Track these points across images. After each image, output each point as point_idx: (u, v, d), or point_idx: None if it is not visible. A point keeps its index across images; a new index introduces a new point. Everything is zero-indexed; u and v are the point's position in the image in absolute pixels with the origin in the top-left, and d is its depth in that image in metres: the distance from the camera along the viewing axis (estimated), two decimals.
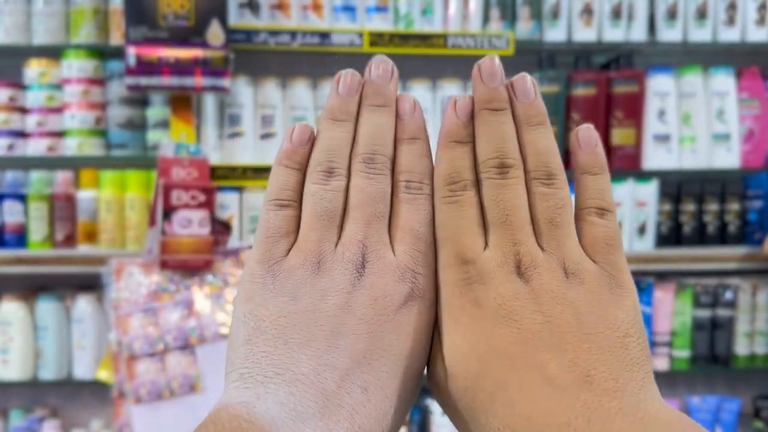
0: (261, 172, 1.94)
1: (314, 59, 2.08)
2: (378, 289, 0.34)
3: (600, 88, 2.00)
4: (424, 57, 2.02)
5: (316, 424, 0.31)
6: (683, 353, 2.07)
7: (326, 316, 0.33)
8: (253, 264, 0.35)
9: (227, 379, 0.33)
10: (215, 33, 1.79)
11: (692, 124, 2.03)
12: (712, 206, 2.07)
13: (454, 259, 0.35)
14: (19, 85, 1.96)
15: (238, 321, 0.35)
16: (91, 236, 1.94)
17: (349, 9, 1.96)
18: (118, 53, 1.89)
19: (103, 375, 1.82)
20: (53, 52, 1.94)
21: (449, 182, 0.36)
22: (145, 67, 1.77)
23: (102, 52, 1.95)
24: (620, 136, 2.01)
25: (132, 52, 1.77)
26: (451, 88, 2.00)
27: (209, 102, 1.93)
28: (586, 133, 0.37)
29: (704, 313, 2.07)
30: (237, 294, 0.35)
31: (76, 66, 1.91)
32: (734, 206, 2.07)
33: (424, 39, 1.96)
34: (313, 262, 0.34)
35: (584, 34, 2.02)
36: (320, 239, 0.35)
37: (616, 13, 2.02)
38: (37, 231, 1.94)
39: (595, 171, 0.36)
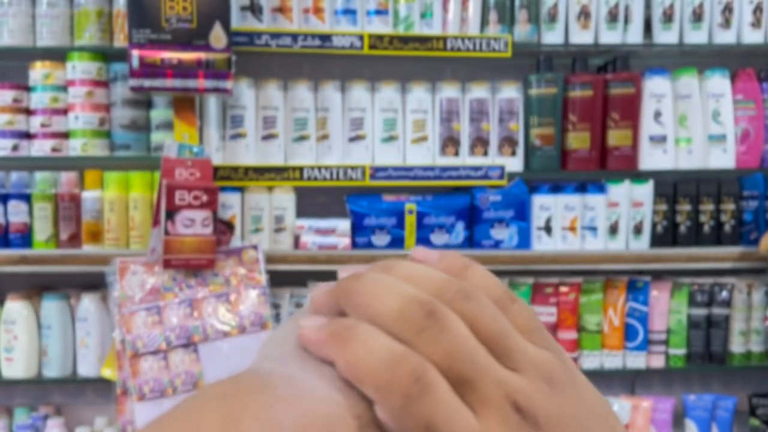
0: (263, 172, 1.96)
1: (315, 61, 2.11)
2: None
3: (597, 90, 2.02)
4: (424, 59, 2.05)
5: None
6: (679, 351, 2.10)
7: None
8: None
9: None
10: (218, 36, 1.82)
11: (688, 125, 2.06)
12: (708, 206, 2.09)
13: None
14: (24, 87, 1.98)
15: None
16: (95, 236, 1.96)
17: (349, 12, 1.98)
18: (122, 55, 1.91)
19: (107, 373, 1.85)
20: (57, 54, 1.96)
21: None
22: (149, 69, 1.80)
23: (106, 54, 1.97)
24: (616, 137, 2.03)
25: (135, 54, 1.79)
26: (450, 90, 2.02)
27: (212, 104, 1.95)
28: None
29: (700, 312, 2.10)
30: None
31: (80, 68, 1.93)
32: (729, 206, 2.09)
33: (424, 42, 1.99)
34: None
35: (581, 37, 2.05)
36: None
37: (613, 16, 2.04)
38: (41, 231, 1.96)
39: None
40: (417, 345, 0.26)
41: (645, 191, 2.06)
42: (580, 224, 2.04)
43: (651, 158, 2.05)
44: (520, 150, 2.06)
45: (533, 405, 0.27)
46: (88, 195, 1.96)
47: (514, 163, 2.05)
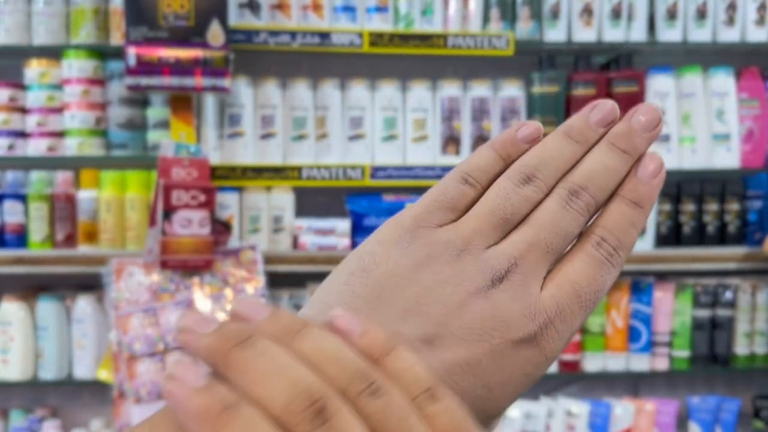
0: (261, 172, 1.94)
1: (314, 59, 2.08)
2: (501, 310, 0.30)
3: (600, 88, 2.00)
4: (424, 57, 2.03)
5: None
6: (683, 353, 2.07)
7: (434, 302, 0.31)
8: (407, 215, 0.33)
9: (318, 290, 0.33)
10: (215, 33, 1.80)
11: (692, 124, 2.04)
12: (712, 206, 2.07)
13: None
14: (20, 86, 1.96)
15: (356, 253, 0.33)
16: (92, 236, 1.94)
17: (349, 9, 1.96)
18: (119, 53, 1.89)
19: (104, 375, 1.82)
20: (53, 53, 1.94)
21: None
22: (146, 67, 1.78)
23: (102, 53, 1.95)
24: None
25: (132, 52, 1.77)
26: (450, 89, 2.00)
27: (209, 102, 1.93)
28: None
29: (704, 313, 2.07)
30: (376, 231, 0.33)
31: (76, 66, 1.91)
32: (734, 206, 2.07)
33: (424, 39, 1.96)
34: (457, 247, 0.31)
35: (584, 35, 2.02)
36: (478, 232, 0.32)
37: (616, 13, 2.02)
38: (37, 231, 1.94)
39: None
40: None
41: None
42: None
43: None
44: None
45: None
46: (84, 195, 1.94)
47: None
